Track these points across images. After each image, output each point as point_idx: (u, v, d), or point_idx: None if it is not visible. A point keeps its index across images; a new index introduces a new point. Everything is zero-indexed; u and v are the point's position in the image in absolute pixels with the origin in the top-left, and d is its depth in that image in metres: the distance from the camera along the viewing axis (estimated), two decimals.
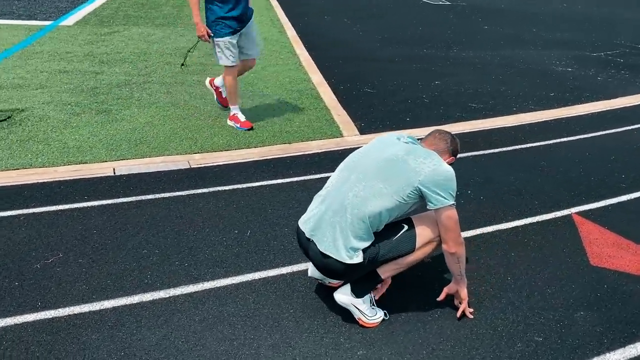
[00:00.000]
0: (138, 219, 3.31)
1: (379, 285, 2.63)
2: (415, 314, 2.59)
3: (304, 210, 2.55)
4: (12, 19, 8.87)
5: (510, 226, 3.40)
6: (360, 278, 2.47)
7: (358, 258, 2.31)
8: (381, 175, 2.34)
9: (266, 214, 3.42)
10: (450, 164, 2.48)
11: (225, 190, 3.72)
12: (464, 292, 2.53)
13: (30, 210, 3.33)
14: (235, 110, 4.91)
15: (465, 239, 3.15)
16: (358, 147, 2.63)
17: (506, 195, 3.82)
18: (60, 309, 2.48)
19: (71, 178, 3.81)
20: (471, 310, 2.59)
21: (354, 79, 6.69)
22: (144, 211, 3.41)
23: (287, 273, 2.84)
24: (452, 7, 12.79)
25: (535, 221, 3.47)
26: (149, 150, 4.34)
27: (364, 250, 2.33)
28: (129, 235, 3.12)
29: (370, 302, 2.51)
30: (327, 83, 6.45)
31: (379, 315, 2.53)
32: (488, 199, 3.76)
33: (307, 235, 2.41)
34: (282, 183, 3.91)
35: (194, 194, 3.68)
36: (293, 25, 9.82)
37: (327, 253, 2.34)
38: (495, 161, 4.42)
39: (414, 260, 2.47)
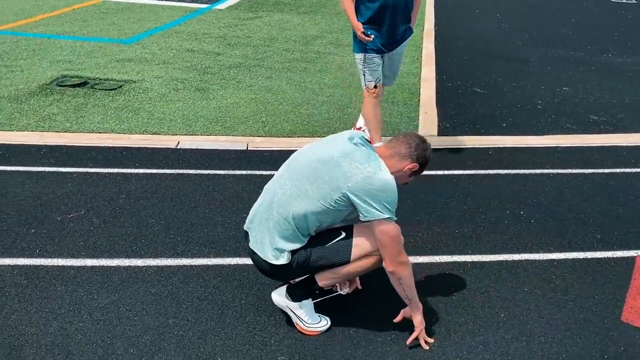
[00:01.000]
0: (167, 190, 3.49)
1: (346, 284, 2.45)
2: (365, 331, 2.34)
3: None
4: (177, 1, 9.89)
5: (544, 258, 2.89)
6: (298, 282, 2.31)
7: (283, 259, 2.16)
8: (311, 176, 2.13)
9: None
10: (412, 172, 2.21)
11: (261, 175, 3.74)
12: (417, 319, 2.22)
13: (84, 170, 3.71)
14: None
15: (484, 263, 2.81)
16: None
17: (567, 222, 3.25)
18: (49, 259, 2.74)
19: (137, 146, 4.16)
20: (430, 340, 2.27)
21: (468, 77, 6.22)
22: (176, 184, 3.58)
23: None
24: (635, 6, 11.15)
25: (581, 257, 2.90)
26: (219, 129, 4.53)
27: (293, 252, 2.17)
28: (148, 203, 3.32)
29: (312, 309, 2.32)
30: (436, 79, 6.09)
31: (321, 324, 2.34)
32: (540, 223, 3.23)
33: (244, 227, 2.32)
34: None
35: (228, 174, 3.77)
36: (435, 17, 9.43)
37: (254, 249, 2.23)
38: (578, 183, 3.77)
39: (352, 273, 2.23)
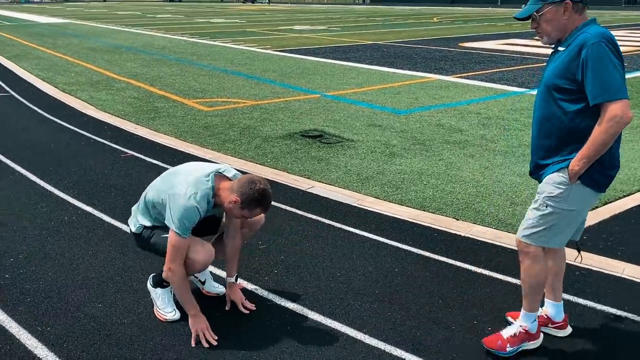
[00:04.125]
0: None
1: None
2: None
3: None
4: (491, 82, 10.10)
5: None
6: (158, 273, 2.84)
7: (136, 229, 2.80)
8: (164, 177, 2.80)
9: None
10: (232, 204, 2.56)
11: (333, 226, 3.90)
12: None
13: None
14: (526, 321, 2.62)
15: None
16: None
17: None
18: (64, 195, 3.75)
19: (270, 178, 4.94)
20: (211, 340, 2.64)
21: None
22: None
23: None
24: None
25: None
26: (364, 188, 4.80)
27: (146, 227, 2.77)
28: None
29: (167, 297, 2.85)
30: None
31: (170, 313, 2.80)
32: None
33: None
34: (429, 257, 3.67)
35: (305, 217, 4.10)
36: None
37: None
38: None
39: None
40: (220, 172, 2.64)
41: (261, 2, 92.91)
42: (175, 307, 2.84)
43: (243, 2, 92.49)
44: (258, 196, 2.52)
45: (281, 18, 37.08)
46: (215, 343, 2.59)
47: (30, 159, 5.63)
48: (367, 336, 2.71)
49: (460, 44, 17.96)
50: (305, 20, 34.44)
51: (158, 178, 2.81)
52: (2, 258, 3.47)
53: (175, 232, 2.50)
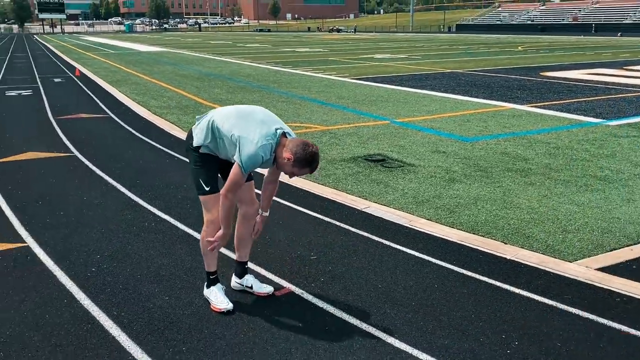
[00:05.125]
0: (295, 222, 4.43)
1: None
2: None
3: None
4: (571, 113, 9.91)
5: None
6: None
7: (195, 144, 3.21)
8: (240, 114, 3.11)
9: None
10: (286, 160, 2.93)
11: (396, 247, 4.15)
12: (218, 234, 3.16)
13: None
14: None
15: None
16: None
17: None
18: (147, 204, 4.18)
19: (330, 197, 5.28)
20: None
21: None
22: (322, 230, 4.46)
23: None
24: None
25: None
26: (418, 210, 5.00)
27: (200, 151, 3.19)
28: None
29: (219, 294, 3.28)
30: None
31: (223, 304, 3.24)
32: None
33: None
34: (470, 276, 3.87)
35: (357, 234, 4.36)
36: None
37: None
38: None
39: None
40: (284, 131, 3.02)
41: (347, 32, 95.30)
42: (228, 300, 3.24)
43: (329, 32, 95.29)
44: (309, 157, 2.91)
45: (364, 47, 37.88)
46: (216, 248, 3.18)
47: (121, 172, 6.33)
48: (397, 341, 2.95)
49: (541, 73, 17.63)
50: (387, 48, 34.98)
51: (232, 111, 3.08)
52: (90, 255, 4.03)
53: (240, 166, 2.91)
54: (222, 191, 3.01)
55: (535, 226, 4.61)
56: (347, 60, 24.44)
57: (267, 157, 2.95)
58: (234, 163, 3.04)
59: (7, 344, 2.91)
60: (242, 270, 3.46)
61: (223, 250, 3.86)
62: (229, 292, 3.41)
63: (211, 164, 3.15)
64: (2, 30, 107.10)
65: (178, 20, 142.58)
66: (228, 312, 3.21)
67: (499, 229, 4.57)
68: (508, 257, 4.03)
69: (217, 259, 3.34)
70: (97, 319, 3.15)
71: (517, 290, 3.52)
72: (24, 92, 14.01)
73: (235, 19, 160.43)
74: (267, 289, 3.44)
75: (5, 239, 4.31)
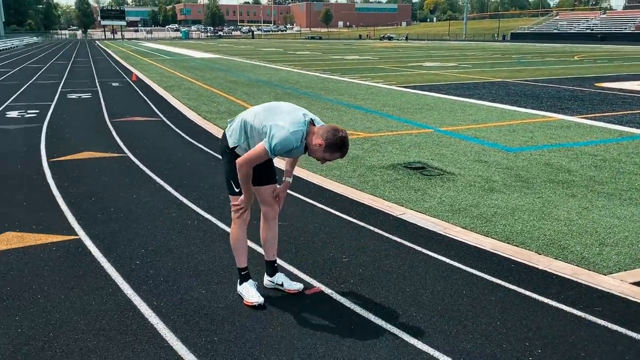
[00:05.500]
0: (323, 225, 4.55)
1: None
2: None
3: None
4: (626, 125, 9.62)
5: None
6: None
7: (231, 145, 3.41)
8: (267, 109, 3.28)
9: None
10: (317, 146, 3.06)
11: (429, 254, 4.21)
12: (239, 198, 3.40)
13: (313, 203, 5.17)
14: None
15: None
16: None
17: None
18: (191, 203, 4.36)
19: (366, 203, 5.37)
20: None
21: None
22: (335, 227, 4.56)
23: None
24: None
25: None
26: (454, 218, 5.03)
27: (234, 151, 3.39)
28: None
29: (251, 289, 3.46)
30: None
31: (254, 297, 3.40)
32: None
33: None
34: (499, 284, 3.91)
35: (390, 239, 4.44)
36: None
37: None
38: None
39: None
40: (311, 118, 3.18)
41: (398, 39, 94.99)
42: (259, 294, 3.41)
43: (380, 40, 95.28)
44: (339, 142, 3.03)
45: (413, 55, 37.72)
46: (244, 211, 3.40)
47: (169, 173, 6.63)
48: (420, 342, 3.02)
49: (596, 84, 17.13)
50: (438, 57, 34.72)
51: (259, 108, 3.26)
52: (136, 249, 4.29)
53: (266, 147, 3.05)
54: (238, 160, 3.17)
55: (572, 238, 4.57)
56: (395, 68, 24.44)
57: (298, 143, 3.08)
58: (266, 164, 3.25)
59: (56, 326, 3.16)
60: (272, 269, 3.61)
61: (257, 249, 4.03)
62: (262, 290, 3.57)
63: None
64: (67, 36, 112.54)
65: (232, 27, 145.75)
66: (259, 306, 3.37)
67: (534, 240, 4.55)
68: (540, 267, 4.02)
69: (247, 256, 3.53)
70: (139, 307, 3.37)
71: (546, 300, 3.52)
72: (83, 95, 14.77)
73: (287, 26, 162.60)
74: (297, 286, 3.58)
75: (59, 232, 4.64)
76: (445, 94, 14.70)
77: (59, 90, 16.10)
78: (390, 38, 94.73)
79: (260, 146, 3.10)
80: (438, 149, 7.92)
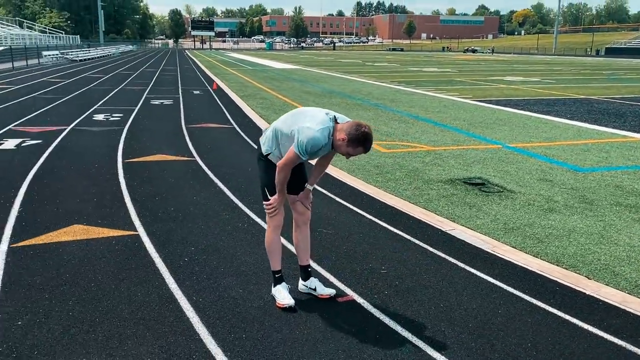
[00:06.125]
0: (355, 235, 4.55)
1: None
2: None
3: None
4: None
5: None
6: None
7: (264, 151, 3.56)
8: (294, 115, 3.45)
9: None
10: (341, 141, 3.19)
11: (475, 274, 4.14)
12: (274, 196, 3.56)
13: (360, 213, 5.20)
14: None
15: None
16: None
17: None
18: (245, 207, 4.49)
19: (416, 216, 5.33)
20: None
21: None
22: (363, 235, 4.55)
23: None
24: None
25: None
26: (505, 237, 4.89)
27: (267, 158, 3.57)
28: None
29: (284, 291, 3.58)
30: None
31: (285, 300, 3.52)
32: None
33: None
34: (538, 306, 3.80)
35: (433, 253, 4.38)
36: None
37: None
38: None
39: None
40: (334, 115, 3.30)
41: (483, 52, 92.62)
42: (291, 298, 3.52)
43: (464, 52, 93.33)
44: (362, 137, 3.13)
45: (496, 68, 36.72)
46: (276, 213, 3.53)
47: (230, 177, 6.92)
48: (443, 357, 3.00)
49: None
50: (521, 71, 33.59)
51: (288, 115, 3.44)
52: (187, 247, 4.53)
53: (296, 151, 3.20)
54: (278, 162, 3.35)
55: (629, 264, 4.32)
56: (473, 82, 23.93)
57: (326, 140, 3.22)
58: (297, 173, 3.44)
59: (103, 313, 3.42)
60: (306, 274, 3.72)
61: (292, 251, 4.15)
62: (295, 293, 3.68)
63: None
64: (160, 45, 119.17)
65: (315, 39, 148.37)
66: (290, 309, 3.48)
67: (586, 264, 4.35)
68: (587, 293, 3.84)
69: (282, 260, 3.68)
70: (179, 301, 3.58)
71: (586, 326, 3.38)
72: (165, 102, 15.64)
73: (369, 38, 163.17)
74: (329, 291, 3.66)
75: (121, 227, 4.98)
76: (521, 109, 14.24)
77: (144, 96, 17.14)
78: (474, 51, 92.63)
79: (290, 150, 3.26)
80: (502, 165, 7.71)
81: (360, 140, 3.16)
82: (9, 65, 30.55)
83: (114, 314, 3.41)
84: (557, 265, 4.34)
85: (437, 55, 72.16)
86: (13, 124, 10.92)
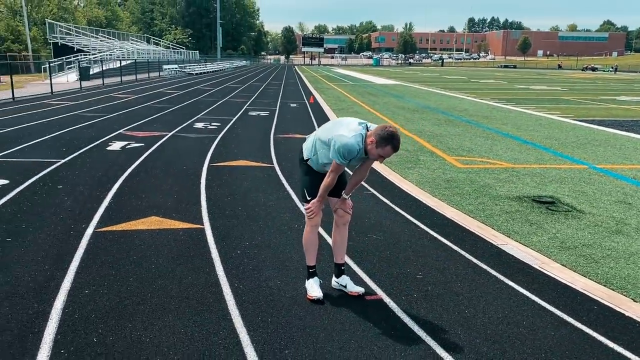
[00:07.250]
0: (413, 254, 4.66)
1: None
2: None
3: None
4: None
5: None
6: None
7: (306, 156, 3.85)
8: (334, 123, 3.73)
9: None
10: (371, 145, 3.43)
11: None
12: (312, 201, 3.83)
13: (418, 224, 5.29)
14: None
15: None
16: None
17: None
18: None
19: (471, 229, 5.35)
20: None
21: None
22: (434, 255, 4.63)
23: None
24: None
25: None
26: (558, 255, 4.77)
27: (308, 163, 3.84)
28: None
29: (312, 284, 3.84)
30: None
31: (315, 292, 3.79)
32: None
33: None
34: (568, 322, 3.78)
35: (475, 264, 4.40)
36: None
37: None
38: None
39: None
40: (366, 124, 3.56)
41: (604, 70, 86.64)
42: (320, 291, 3.80)
43: (582, 70, 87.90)
44: (387, 136, 3.37)
45: (612, 87, 34.41)
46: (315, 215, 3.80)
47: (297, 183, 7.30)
48: (449, 357, 3.10)
49: None
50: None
51: (328, 124, 3.73)
52: (242, 241, 4.96)
53: (337, 161, 3.49)
54: (329, 171, 3.64)
55: None
56: (581, 100, 22.68)
57: (361, 145, 3.47)
58: (338, 179, 3.70)
59: (154, 290, 3.90)
60: (339, 271, 3.95)
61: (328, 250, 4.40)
62: (326, 288, 3.94)
63: (316, 176, 3.75)
64: (272, 61, 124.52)
65: (423, 55, 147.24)
66: (317, 301, 3.75)
67: (637, 287, 4.16)
68: (627, 314, 3.72)
69: (317, 257, 3.95)
70: (222, 286, 3.98)
71: (614, 346, 3.30)
72: (262, 113, 16.54)
73: (480, 54, 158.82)
74: (357, 288, 3.88)
75: (190, 221, 5.53)
76: (624, 130, 13.38)
77: (244, 107, 18.23)
78: (594, 69, 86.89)
79: (333, 164, 3.58)
80: (581, 186, 7.41)
81: (387, 139, 3.38)
82: (132, 77, 33.75)
83: (164, 291, 3.88)
84: (604, 285, 4.20)
85: (550, 73, 68.67)
86: (123, 129, 12.21)
